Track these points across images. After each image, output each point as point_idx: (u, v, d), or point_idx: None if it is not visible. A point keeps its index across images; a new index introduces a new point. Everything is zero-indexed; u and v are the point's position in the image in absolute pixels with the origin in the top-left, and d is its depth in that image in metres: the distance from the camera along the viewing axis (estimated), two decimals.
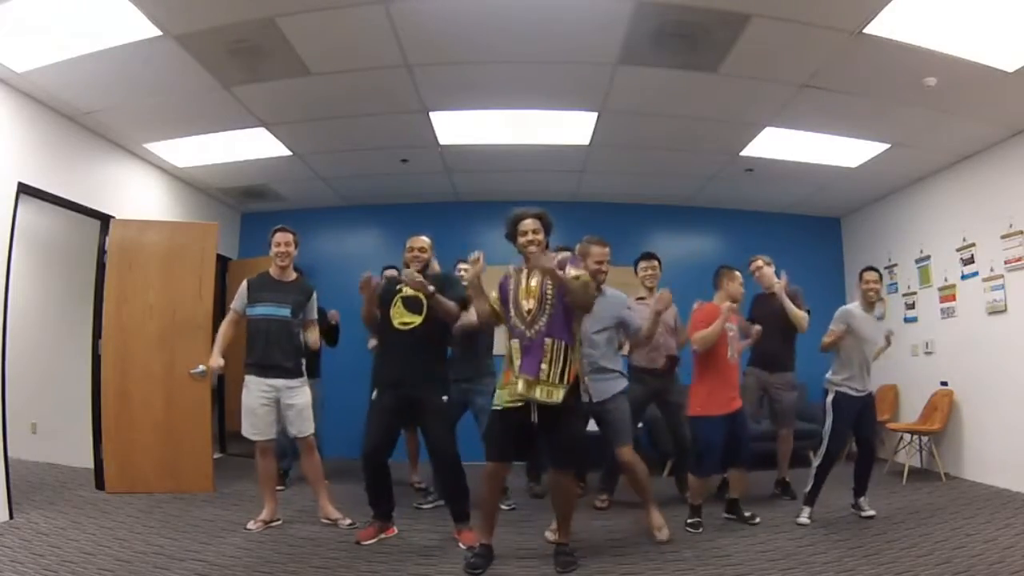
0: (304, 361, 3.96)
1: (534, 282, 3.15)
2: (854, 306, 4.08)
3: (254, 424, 3.81)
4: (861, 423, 4.03)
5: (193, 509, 4.16)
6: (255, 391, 3.80)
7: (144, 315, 4.72)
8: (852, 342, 3.97)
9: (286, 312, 3.84)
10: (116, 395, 4.64)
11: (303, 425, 3.88)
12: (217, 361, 3.88)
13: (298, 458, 4.94)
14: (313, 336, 4.02)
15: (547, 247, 3.26)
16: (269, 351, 3.79)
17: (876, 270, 4.16)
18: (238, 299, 3.94)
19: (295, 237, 3.99)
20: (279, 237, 3.94)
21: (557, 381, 3.03)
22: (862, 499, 4.04)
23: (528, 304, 3.12)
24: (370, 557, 3.30)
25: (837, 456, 3.99)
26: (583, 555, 3.23)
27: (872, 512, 3.96)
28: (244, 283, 3.96)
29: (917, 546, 3.38)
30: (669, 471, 5.23)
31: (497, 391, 3.21)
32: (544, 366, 3.03)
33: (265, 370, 3.79)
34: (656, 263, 4.58)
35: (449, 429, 3.65)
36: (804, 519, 3.89)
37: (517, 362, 3.07)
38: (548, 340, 3.06)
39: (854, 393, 3.97)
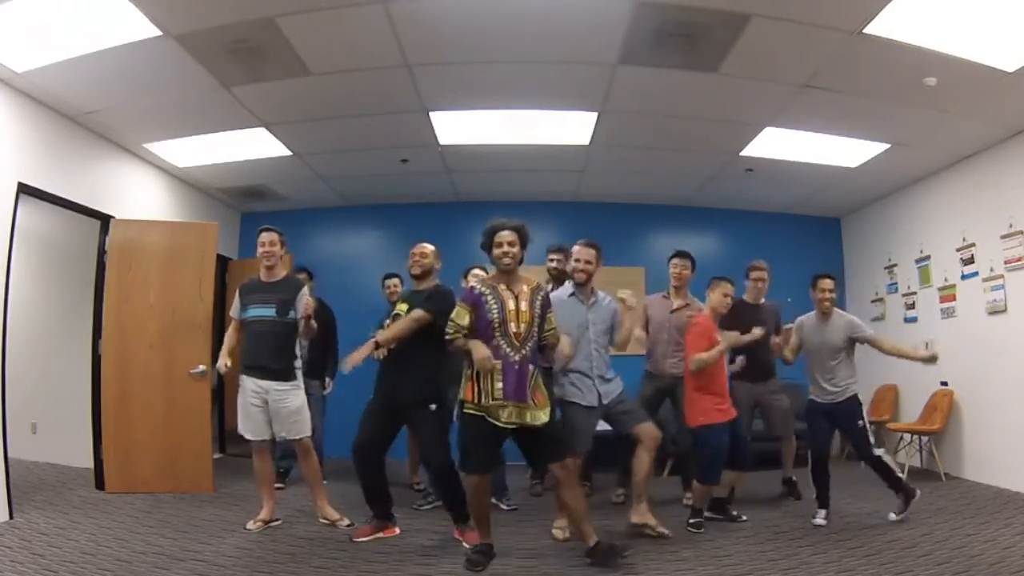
0: (299, 363, 3.91)
1: (524, 305, 3.12)
2: (807, 315, 4.09)
3: (247, 424, 3.82)
4: (845, 433, 3.99)
5: (193, 509, 4.16)
6: (247, 392, 3.81)
7: (144, 315, 4.72)
8: (807, 352, 4.05)
9: (271, 312, 3.81)
10: (116, 395, 4.63)
11: (293, 428, 3.84)
12: (224, 361, 3.85)
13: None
14: (307, 333, 3.93)
15: (522, 261, 3.22)
16: (256, 352, 3.80)
17: (831, 277, 4.03)
18: (233, 306, 3.97)
19: (280, 236, 3.95)
20: (263, 237, 3.92)
21: (539, 404, 3.10)
22: (900, 503, 3.92)
23: (516, 327, 3.09)
24: (370, 557, 3.29)
25: (818, 456, 3.95)
26: (582, 554, 3.22)
27: (897, 517, 3.86)
28: (238, 289, 3.98)
29: (917, 546, 3.38)
30: (669, 471, 5.23)
31: (461, 399, 3.14)
32: (529, 391, 3.07)
33: (253, 371, 3.80)
34: (688, 261, 4.46)
35: (438, 438, 3.53)
36: (820, 520, 3.86)
37: (498, 384, 3.03)
38: (531, 367, 3.11)
39: (818, 399, 4.00)
